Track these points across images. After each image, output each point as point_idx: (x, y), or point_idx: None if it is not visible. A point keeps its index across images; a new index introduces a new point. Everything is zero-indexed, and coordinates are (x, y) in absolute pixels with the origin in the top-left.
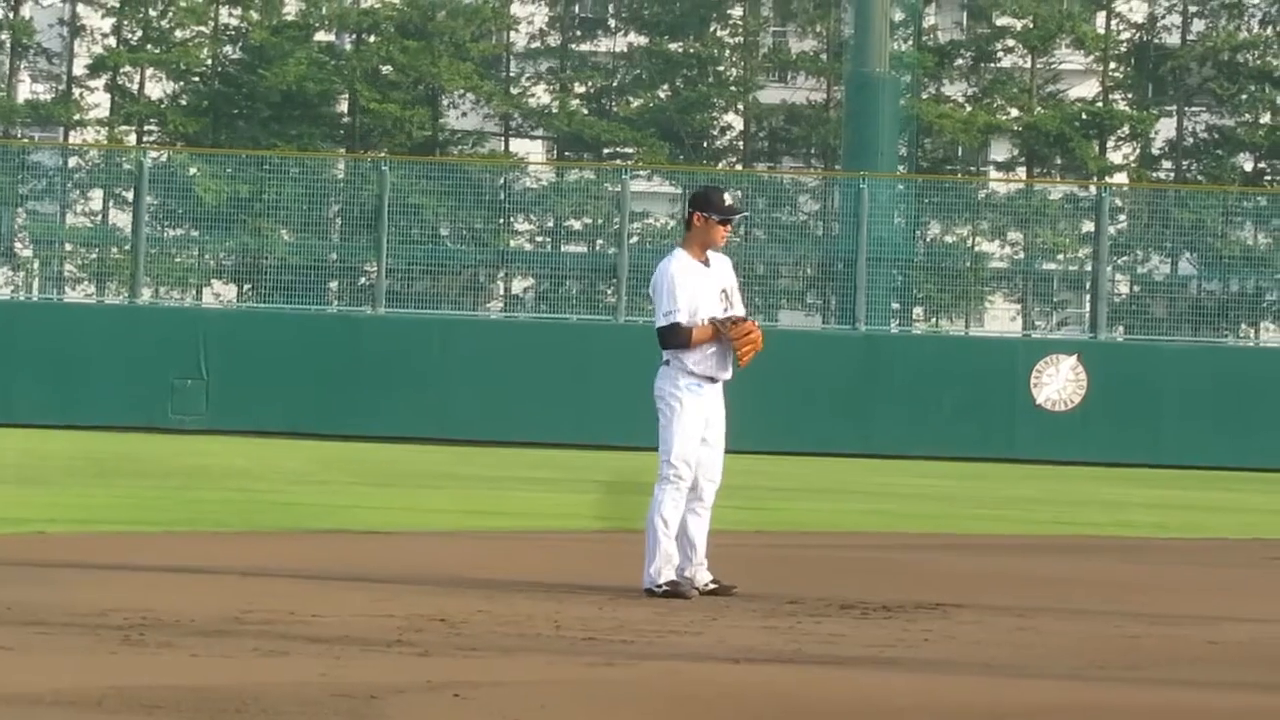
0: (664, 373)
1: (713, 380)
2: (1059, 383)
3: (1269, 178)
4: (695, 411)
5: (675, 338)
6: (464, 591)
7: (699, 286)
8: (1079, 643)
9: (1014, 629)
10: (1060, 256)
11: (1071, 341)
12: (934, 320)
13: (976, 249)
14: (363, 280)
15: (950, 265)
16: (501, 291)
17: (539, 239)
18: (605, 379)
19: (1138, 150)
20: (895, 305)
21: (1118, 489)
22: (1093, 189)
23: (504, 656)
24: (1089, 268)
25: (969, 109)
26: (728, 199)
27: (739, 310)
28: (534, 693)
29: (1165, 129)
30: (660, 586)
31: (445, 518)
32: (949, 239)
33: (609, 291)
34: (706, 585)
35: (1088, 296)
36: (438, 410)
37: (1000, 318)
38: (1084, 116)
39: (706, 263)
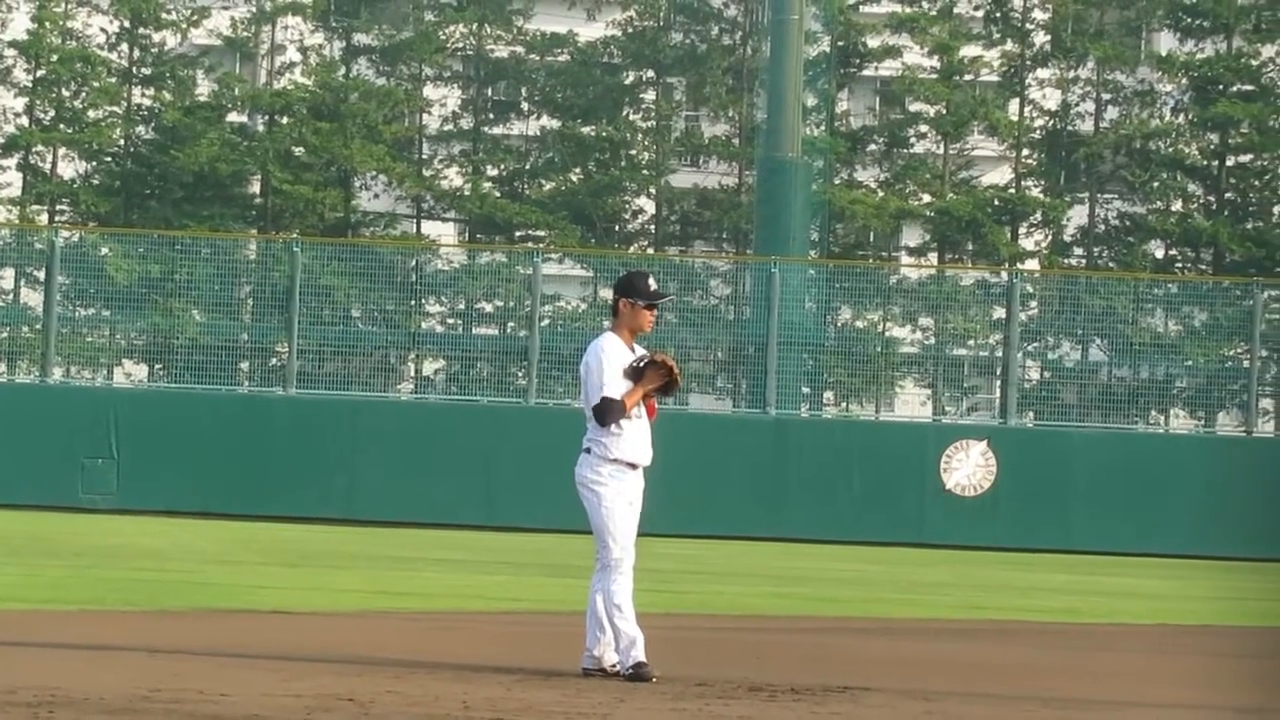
0: (584, 460)
1: (633, 466)
2: (969, 468)
3: (1180, 265)
4: (619, 495)
5: (610, 413)
6: (373, 671)
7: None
8: None
9: (922, 713)
10: (971, 342)
11: (982, 427)
12: (844, 405)
13: (887, 334)
14: (274, 361)
15: (861, 350)
16: (412, 373)
17: (450, 321)
18: (515, 461)
19: (1049, 237)
20: (806, 389)
21: (1027, 574)
22: (1004, 275)
23: None
24: (1000, 353)
25: (881, 194)
26: (652, 284)
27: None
28: None
29: (1077, 216)
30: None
31: (354, 598)
32: (860, 324)
33: (520, 374)
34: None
35: (998, 382)
36: (348, 491)
37: (911, 403)
38: (996, 202)
39: (634, 349)
